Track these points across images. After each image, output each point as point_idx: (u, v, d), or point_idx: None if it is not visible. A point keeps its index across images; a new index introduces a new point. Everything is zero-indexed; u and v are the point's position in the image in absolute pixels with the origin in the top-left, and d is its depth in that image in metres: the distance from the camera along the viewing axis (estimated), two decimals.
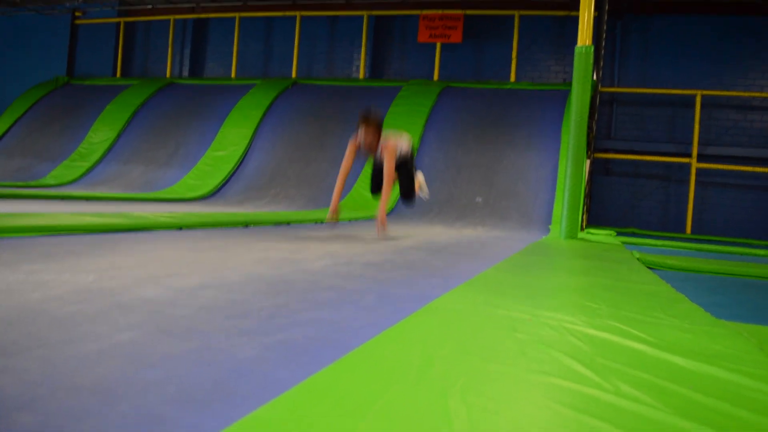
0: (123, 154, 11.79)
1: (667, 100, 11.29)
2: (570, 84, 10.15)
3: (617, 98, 11.56)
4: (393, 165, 4.41)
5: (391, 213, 8.77)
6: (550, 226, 7.88)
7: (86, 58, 15.12)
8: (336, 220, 4.59)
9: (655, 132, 11.34)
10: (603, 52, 9.71)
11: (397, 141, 4.50)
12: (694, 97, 10.91)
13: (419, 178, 5.10)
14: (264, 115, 11.46)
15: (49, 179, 10.88)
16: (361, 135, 4.40)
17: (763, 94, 10.69)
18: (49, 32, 15.17)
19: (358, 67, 12.93)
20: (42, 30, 15.23)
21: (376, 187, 4.77)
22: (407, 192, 4.81)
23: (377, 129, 4.42)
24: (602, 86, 10.66)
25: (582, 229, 8.17)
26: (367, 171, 9.76)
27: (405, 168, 4.65)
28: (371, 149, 4.44)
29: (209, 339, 1.50)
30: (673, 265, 4.52)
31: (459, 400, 1.08)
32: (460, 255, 4.35)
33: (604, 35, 9.73)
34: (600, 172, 11.37)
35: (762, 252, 6.91)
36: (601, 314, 2.02)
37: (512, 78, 11.66)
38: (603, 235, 7.58)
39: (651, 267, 4.44)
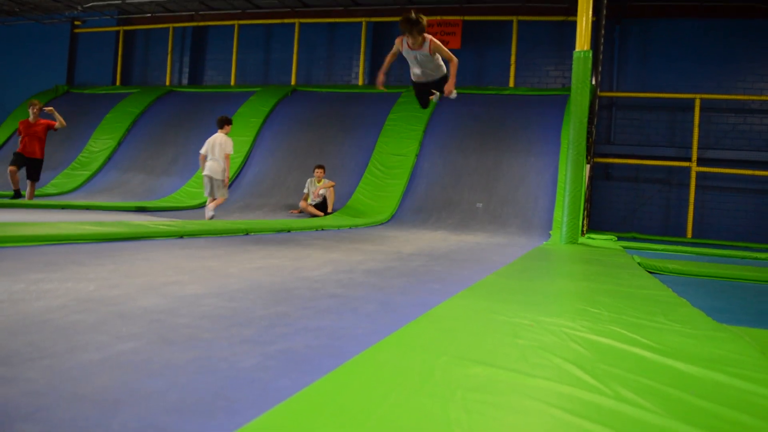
0: (123, 163, 11.80)
1: (667, 104, 11.30)
2: (569, 89, 10.16)
3: (616, 103, 11.58)
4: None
5: (391, 219, 8.77)
6: (550, 232, 7.88)
7: (86, 67, 15.17)
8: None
9: (655, 136, 11.35)
10: (602, 56, 9.73)
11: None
12: (693, 101, 10.92)
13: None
14: (263, 122, 11.48)
15: (49, 188, 10.90)
16: (407, 39, 5.02)
17: (762, 97, 10.70)
18: (48, 41, 15.21)
19: (357, 73, 12.96)
20: (42, 39, 15.28)
21: (425, 102, 5.69)
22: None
23: (421, 30, 4.99)
24: (601, 91, 10.67)
25: (582, 234, 8.16)
26: (368, 178, 9.78)
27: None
28: (415, 46, 5.04)
29: (211, 348, 1.50)
30: (674, 270, 4.51)
31: (460, 406, 1.08)
32: (461, 261, 4.34)
33: (603, 40, 9.74)
34: (600, 176, 11.38)
35: (763, 256, 6.90)
36: (602, 319, 2.01)
37: (511, 83, 11.68)
38: (604, 240, 7.58)
39: (652, 271, 4.43)
